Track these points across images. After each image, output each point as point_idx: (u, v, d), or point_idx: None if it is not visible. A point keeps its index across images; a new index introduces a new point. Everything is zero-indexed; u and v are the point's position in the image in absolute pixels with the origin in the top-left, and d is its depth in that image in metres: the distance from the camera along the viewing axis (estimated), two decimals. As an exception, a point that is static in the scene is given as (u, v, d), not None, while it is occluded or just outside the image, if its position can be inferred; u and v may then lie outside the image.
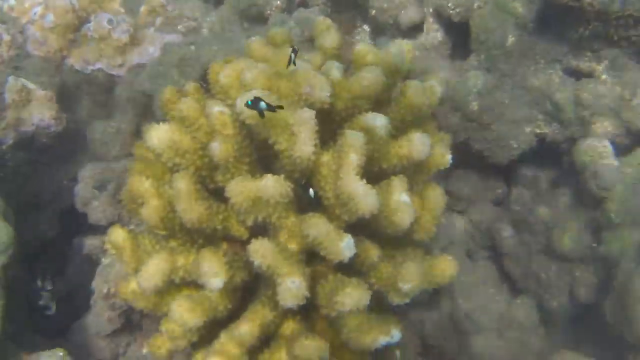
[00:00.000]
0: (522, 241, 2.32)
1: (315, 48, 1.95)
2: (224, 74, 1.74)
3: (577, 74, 2.20)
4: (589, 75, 2.19)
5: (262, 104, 1.49)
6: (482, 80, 2.12)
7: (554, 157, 2.29)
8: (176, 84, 2.17)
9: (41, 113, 2.34)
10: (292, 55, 1.69)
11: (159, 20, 2.63)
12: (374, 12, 2.46)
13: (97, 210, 2.28)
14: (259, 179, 1.51)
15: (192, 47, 2.33)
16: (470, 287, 2.19)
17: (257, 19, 2.52)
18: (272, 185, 1.50)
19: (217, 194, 1.65)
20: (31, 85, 2.35)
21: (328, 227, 1.50)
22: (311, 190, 1.59)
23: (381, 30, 2.52)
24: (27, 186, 2.39)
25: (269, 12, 2.47)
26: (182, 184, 1.58)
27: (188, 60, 2.27)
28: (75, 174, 2.41)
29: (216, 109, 1.63)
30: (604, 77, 2.17)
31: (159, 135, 1.66)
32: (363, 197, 1.49)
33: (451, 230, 2.37)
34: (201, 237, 1.70)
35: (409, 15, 2.40)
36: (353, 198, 1.50)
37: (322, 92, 1.60)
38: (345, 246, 1.49)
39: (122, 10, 2.67)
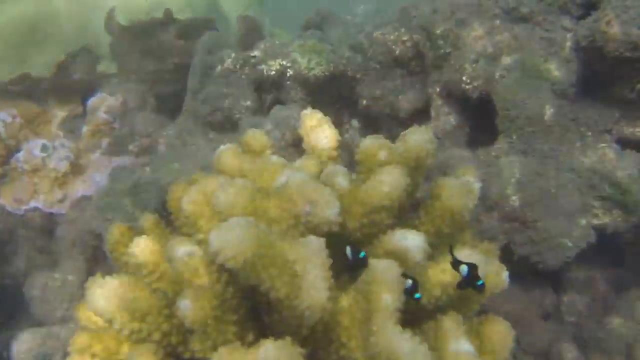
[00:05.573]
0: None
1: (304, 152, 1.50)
2: (189, 199, 1.26)
3: (634, 144, 1.75)
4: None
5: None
6: (519, 168, 1.66)
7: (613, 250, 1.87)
8: (130, 218, 1.71)
9: (-35, 274, 1.91)
10: None
11: (105, 142, 2.18)
12: (364, 102, 2.04)
13: (38, 399, 1.74)
14: (255, 349, 1.02)
15: (147, 169, 1.92)
16: None
17: (224, 126, 2.06)
18: (275, 357, 0.99)
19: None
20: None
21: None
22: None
23: (374, 124, 2.12)
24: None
25: (237, 115, 2.01)
26: (142, 367, 1.07)
27: (143, 185, 1.87)
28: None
29: (181, 250, 1.14)
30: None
31: (105, 293, 1.17)
32: (410, 356, 1.00)
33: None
34: None
35: (408, 99, 1.98)
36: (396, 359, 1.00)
37: (328, 210, 1.14)
38: None
39: (61, 133, 2.21)
